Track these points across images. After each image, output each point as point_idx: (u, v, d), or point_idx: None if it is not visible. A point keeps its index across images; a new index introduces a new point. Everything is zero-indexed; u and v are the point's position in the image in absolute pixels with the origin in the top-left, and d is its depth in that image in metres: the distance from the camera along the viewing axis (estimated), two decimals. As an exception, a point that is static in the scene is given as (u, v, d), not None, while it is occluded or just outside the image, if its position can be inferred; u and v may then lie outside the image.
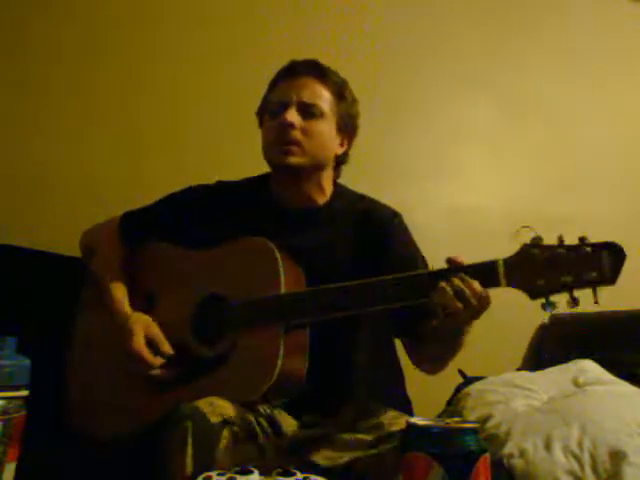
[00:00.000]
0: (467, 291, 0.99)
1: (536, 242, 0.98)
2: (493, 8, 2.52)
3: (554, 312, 0.97)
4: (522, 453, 1.38)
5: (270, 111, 1.29)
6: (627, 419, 1.42)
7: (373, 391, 1.24)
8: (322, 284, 1.12)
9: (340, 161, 1.35)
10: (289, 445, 1.11)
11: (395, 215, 1.33)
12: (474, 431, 0.68)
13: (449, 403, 1.79)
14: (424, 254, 1.33)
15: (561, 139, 2.52)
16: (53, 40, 2.02)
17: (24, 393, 0.85)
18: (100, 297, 1.32)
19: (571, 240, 0.97)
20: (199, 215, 1.33)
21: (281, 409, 1.17)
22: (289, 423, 1.16)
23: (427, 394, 1.60)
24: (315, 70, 1.29)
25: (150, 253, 1.36)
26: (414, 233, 1.37)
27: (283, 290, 1.13)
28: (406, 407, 1.30)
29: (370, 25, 2.36)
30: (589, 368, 1.74)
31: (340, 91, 1.29)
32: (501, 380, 1.74)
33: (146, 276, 1.32)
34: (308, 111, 1.25)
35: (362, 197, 1.37)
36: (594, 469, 1.31)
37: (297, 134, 1.23)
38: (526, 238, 0.99)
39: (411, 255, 1.29)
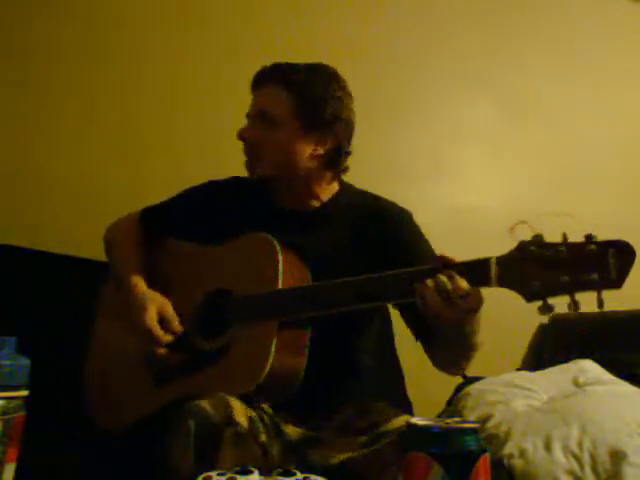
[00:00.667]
0: (450, 288, 0.93)
1: (536, 240, 0.89)
2: (493, 8, 2.52)
3: (553, 313, 0.88)
4: (522, 453, 1.38)
5: None
6: (627, 419, 1.42)
7: (373, 391, 1.24)
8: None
9: (329, 160, 1.28)
10: (288, 445, 1.12)
11: (407, 213, 1.32)
12: (474, 431, 0.68)
13: (449, 403, 1.79)
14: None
15: (561, 139, 2.52)
16: (53, 40, 2.02)
17: (24, 393, 0.85)
18: (117, 292, 1.34)
19: (577, 239, 0.88)
20: (212, 211, 1.35)
21: (281, 409, 1.17)
22: (289, 423, 1.16)
23: (427, 394, 1.60)
24: (273, 75, 1.26)
25: (163, 249, 1.38)
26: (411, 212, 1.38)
27: (280, 285, 1.13)
28: (406, 407, 1.30)
29: (370, 25, 2.35)
30: (589, 368, 1.74)
31: (305, 90, 1.23)
32: (501, 380, 1.74)
33: (158, 272, 1.33)
34: (265, 120, 1.24)
35: (372, 195, 1.35)
36: (594, 469, 1.31)
37: (254, 147, 1.25)
38: (523, 235, 0.90)
39: (424, 251, 1.26)
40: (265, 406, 1.14)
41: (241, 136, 1.27)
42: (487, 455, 0.68)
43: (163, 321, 1.20)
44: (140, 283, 1.27)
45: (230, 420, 1.00)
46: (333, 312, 1.08)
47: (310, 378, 1.13)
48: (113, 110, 2.04)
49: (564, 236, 0.87)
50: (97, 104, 2.04)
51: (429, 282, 0.95)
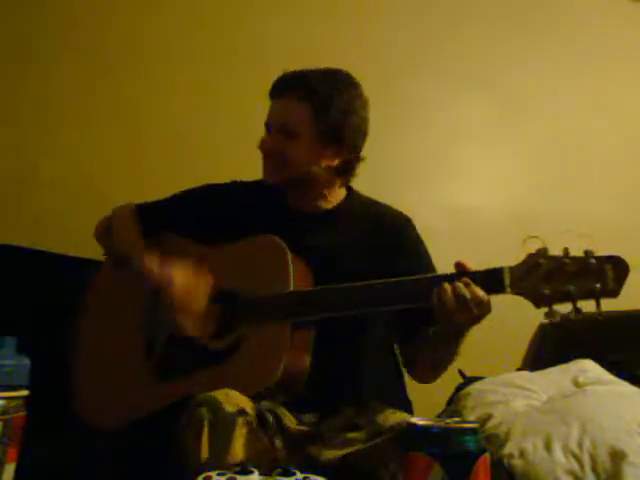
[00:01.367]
0: (468, 296, 1.01)
1: (542, 252, 0.99)
2: (493, 9, 2.52)
3: (558, 318, 0.99)
4: (522, 453, 1.38)
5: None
6: (627, 419, 1.42)
7: (374, 391, 1.24)
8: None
9: (343, 169, 1.31)
10: (290, 440, 1.12)
11: (408, 220, 1.36)
12: (474, 431, 0.68)
13: (449, 403, 1.79)
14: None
15: (561, 139, 2.52)
16: (54, 40, 2.02)
17: (24, 393, 0.85)
18: (113, 287, 1.34)
19: (574, 246, 0.99)
20: (214, 212, 1.35)
21: (282, 406, 1.17)
22: (290, 420, 1.17)
23: (427, 394, 1.60)
24: (293, 86, 1.27)
25: (162, 246, 1.37)
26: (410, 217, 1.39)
27: (292, 288, 1.15)
28: (406, 407, 1.30)
29: (369, 25, 2.36)
30: (589, 368, 1.74)
31: (323, 102, 1.25)
32: (501, 380, 1.74)
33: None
34: (285, 132, 1.26)
35: (376, 202, 1.39)
36: (594, 469, 1.31)
37: (271, 158, 1.28)
38: (533, 248, 1.01)
39: (423, 256, 1.32)
40: (268, 403, 1.14)
41: (262, 148, 1.30)
42: (487, 455, 0.68)
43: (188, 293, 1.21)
44: (156, 259, 1.27)
45: (242, 410, 1.01)
46: (351, 314, 1.12)
47: (312, 377, 1.14)
48: (113, 110, 2.04)
49: (565, 250, 0.98)
50: (97, 104, 2.04)
51: (448, 288, 1.03)
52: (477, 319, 1.05)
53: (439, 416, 1.73)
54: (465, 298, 1.01)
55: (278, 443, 1.08)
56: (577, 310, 0.97)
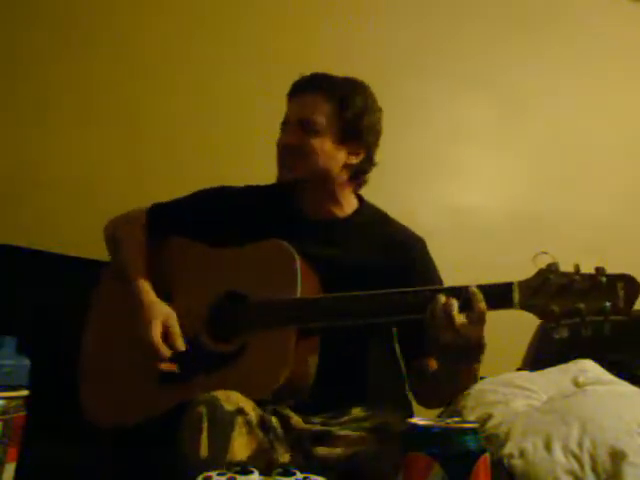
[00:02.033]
0: (453, 311, 0.99)
1: (552, 268, 0.98)
2: (493, 9, 2.52)
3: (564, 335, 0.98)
4: (522, 453, 1.38)
5: (281, 128, 1.34)
6: (627, 419, 1.42)
7: (376, 392, 1.25)
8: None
9: (358, 171, 1.33)
10: (295, 439, 1.12)
11: (420, 241, 1.35)
12: (474, 431, 0.68)
13: (449, 403, 1.79)
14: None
15: (561, 139, 2.52)
16: (53, 39, 2.02)
17: (24, 393, 0.85)
18: (120, 289, 1.33)
19: (587, 264, 0.97)
20: (225, 214, 1.35)
21: (288, 408, 1.17)
22: (296, 420, 1.17)
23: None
24: (315, 84, 1.30)
25: (171, 248, 1.38)
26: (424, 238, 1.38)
27: (299, 294, 1.14)
28: (406, 407, 1.30)
29: (370, 26, 2.35)
30: (589, 368, 1.74)
31: (344, 101, 1.28)
32: (501, 380, 1.74)
33: (165, 271, 1.34)
34: (306, 127, 1.28)
35: (388, 218, 1.38)
36: (594, 469, 1.31)
37: (292, 153, 1.28)
38: (543, 263, 0.99)
39: (434, 280, 1.29)
40: (270, 406, 1.14)
41: (282, 145, 1.30)
42: (487, 455, 0.68)
43: (167, 336, 1.20)
44: (148, 290, 1.27)
45: (241, 410, 1.01)
46: (358, 323, 1.12)
47: (317, 382, 1.14)
48: (113, 110, 2.04)
49: (576, 267, 0.96)
50: (97, 104, 2.04)
51: (440, 300, 1.01)
52: (466, 349, 1.01)
53: (439, 416, 1.73)
54: (450, 313, 0.99)
55: (280, 444, 1.08)
56: (586, 327, 0.96)
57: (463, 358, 1.05)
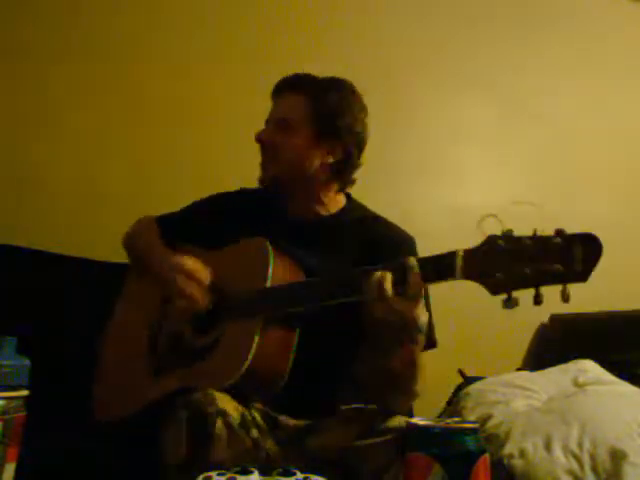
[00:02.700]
0: (386, 283, 0.93)
1: (506, 234, 0.87)
2: (493, 9, 2.53)
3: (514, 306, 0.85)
4: (522, 453, 1.38)
5: None
6: (627, 419, 1.42)
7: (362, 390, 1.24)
8: None
9: (338, 170, 1.31)
10: (285, 436, 1.13)
11: (408, 240, 1.31)
12: (474, 431, 0.68)
13: (449, 403, 1.79)
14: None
15: (561, 139, 2.52)
16: (54, 40, 2.02)
17: (24, 393, 0.85)
18: (138, 290, 1.38)
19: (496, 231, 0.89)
20: (220, 221, 1.37)
21: (276, 409, 1.17)
22: (284, 418, 1.17)
23: (427, 394, 1.60)
24: (293, 83, 1.32)
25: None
26: (414, 233, 1.37)
27: (268, 284, 1.15)
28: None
29: (370, 26, 2.36)
30: (589, 368, 1.74)
31: (321, 100, 1.28)
32: (501, 380, 1.74)
33: None
34: (283, 125, 1.29)
35: (376, 218, 1.36)
36: (594, 469, 1.31)
37: (270, 149, 1.30)
38: (492, 229, 0.88)
39: None
40: (258, 405, 1.15)
41: (258, 138, 1.32)
42: (487, 455, 0.68)
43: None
44: (170, 251, 1.31)
45: (221, 411, 1.01)
46: (305, 307, 1.11)
47: (292, 378, 1.14)
48: (113, 110, 2.04)
49: (534, 231, 0.85)
50: (97, 104, 2.04)
51: (374, 275, 0.95)
52: (400, 326, 0.95)
53: (439, 416, 1.73)
54: (382, 286, 0.93)
55: (268, 444, 1.08)
56: (537, 298, 0.82)
57: (397, 336, 0.99)
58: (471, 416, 1.59)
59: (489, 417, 1.55)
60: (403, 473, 0.70)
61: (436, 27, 2.44)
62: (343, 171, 1.32)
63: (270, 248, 1.19)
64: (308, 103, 1.28)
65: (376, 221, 1.35)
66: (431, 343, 1.18)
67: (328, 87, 1.30)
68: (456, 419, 1.06)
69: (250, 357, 1.08)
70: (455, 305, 1.75)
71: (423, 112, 2.38)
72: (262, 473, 0.81)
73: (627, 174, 2.53)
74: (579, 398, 1.56)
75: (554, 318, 2.24)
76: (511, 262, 0.85)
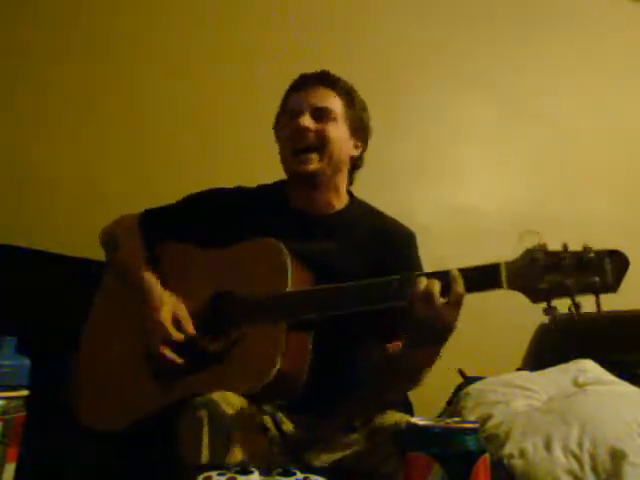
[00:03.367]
0: (434, 290, 0.99)
1: (540, 247, 0.97)
2: (493, 9, 2.53)
3: (556, 315, 0.97)
4: (522, 453, 1.38)
5: (285, 122, 1.35)
6: (627, 419, 1.42)
7: (369, 391, 1.24)
8: None
9: (355, 165, 1.40)
10: (286, 445, 1.13)
11: (409, 234, 1.37)
12: (474, 431, 0.68)
13: (449, 403, 1.79)
14: (424, 253, 1.35)
15: (561, 139, 2.52)
16: (54, 40, 2.02)
17: (24, 393, 0.85)
18: (119, 289, 1.34)
19: (575, 245, 0.97)
20: (216, 217, 1.35)
21: (279, 411, 1.17)
22: (287, 425, 1.17)
23: (427, 394, 1.60)
24: (323, 79, 1.35)
25: (165, 252, 1.38)
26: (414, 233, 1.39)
27: (289, 288, 1.15)
28: (406, 407, 1.30)
29: (370, 26, 2.36)
30: (589, 368, 1.74)
31: (349, 97, 1.35)
32: (501, 380, 1.74)
33: (160, 274, 1.33)
34: (322, 115, 1.31)
35: (379, 212, 1.40)
36: (594, 469, 1.31)
37: (312, 138, 1.29)
38: (530, 242, 0.98)
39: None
40: (269, 407, 1.15)
41: (301, 126, 1.29)
42: (487, 455, 0.68)
43: (177, 322, 1.21)
44: (155, 282, 1.28)
45: (240, 411, 1.02)
46: (341, 313, 1.11)
47: (310, 381, 1.14)
48: (113, 110, 2.04)
49: (564, 246, 0.96)
50: (97, 104, 2.04)
51: (422, 282, 1.01)
52: (440, 329, 1.02)
53: (439, 416, 1.73)
54: (431, 296, 0.99)
55: (275, 447, 1.09)
56: (576, 306, 0.95)
57: (435, 337, 1.05)
58: (471, 416, 1.59)
59: (489, 417, 1.55)
60: (403, 473, 0.70)
61: (436, 27, 2.44)
62: (357, 166, 1.40)
63: (287, 251, 1.18)
64: (340, 99, 1.34)
65: (381, 215, 1.40)
66: None
67: (351, 86, 1.37)
68: (456, 419, 1.05)
69: (278, 362, 1.08)
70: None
71: (423, 112, 2.38)
72: (262, 473, 0.81)
73: (627, 174, 2.53)
74: (579, 398, 1.56)
75: (554, 318, 2.24)
76: (551, 273, 0.96)
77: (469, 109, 2.41)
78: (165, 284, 1.30)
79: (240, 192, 1.41)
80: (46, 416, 1.10)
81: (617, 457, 1.30)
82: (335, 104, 1.33)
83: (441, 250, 1.12)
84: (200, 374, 1.16)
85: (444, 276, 1.02)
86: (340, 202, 1.37)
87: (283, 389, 1.12)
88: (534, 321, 2.32)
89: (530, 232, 0.98)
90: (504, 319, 2.12)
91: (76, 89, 2.02)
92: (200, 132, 2.09)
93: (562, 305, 0.97)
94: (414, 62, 2.37)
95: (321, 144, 1.30)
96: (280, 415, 1.16)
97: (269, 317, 1.14)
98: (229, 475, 0.78)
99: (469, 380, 1.82)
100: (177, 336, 1.18)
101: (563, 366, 1.79)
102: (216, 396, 1.02)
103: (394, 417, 1.11)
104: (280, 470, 0.81)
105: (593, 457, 1.32)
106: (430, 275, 1.04)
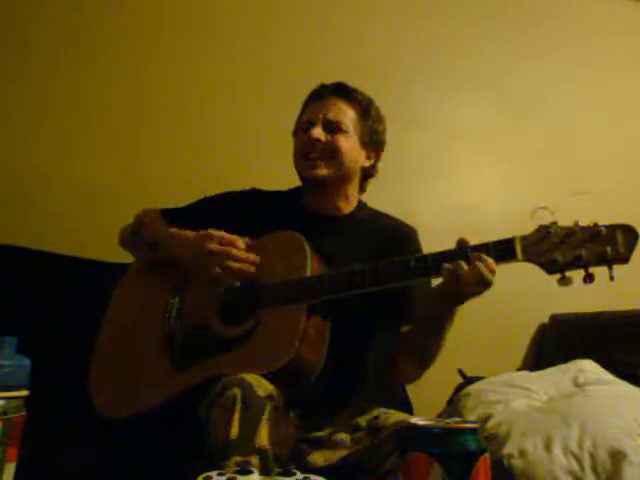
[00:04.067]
0: (483, 267, 1.02)
1: (553, 223, 1.01)
2: (493, 9, 2.53)
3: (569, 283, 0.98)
4: (522, 453, 1.38)
5: (300, 129, 1.42)
6: (627, 419, 1.42)
7: (375, 391, 1.25)
8: None
9: (367, 174, 1.44)
10: (292, 450, 1.13)
11: (413, 231, 1.42)
12: (474, 431, 0.68)
13: (449, 403, 1.79)
14: (424, 253, 1.35)
15: (561, 139, 2.52)
16: (53, 42, 2.02)
17: (24, 393, 0.85)
18: (137, 287, 1.38)
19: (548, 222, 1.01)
20: (232, 218, 1.37)
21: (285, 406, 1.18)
22: (292, 424, 1.18)
23: (427, 394, 1.60)
24: (340, 91, 1.40)
25: None
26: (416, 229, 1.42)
27: (309, 272, 1.19)
28: (406, 407, 1.31)
29: (370, 26, 2.36)
30: (589, 368, 1.74)
31: (365, 109, 1.40)
32: (501, 380, 1.74)
33: (175, 268, 1.35)
34: (333, 127, 1.36)
35: (385, 214, 1.46)
36: (594, 469, 1.31)
37: (322, 148, 1.35)
38: (542, 219, 1.02)
39: None
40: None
41: (312, 137, 1.35)
42: (487, 455, 0.68)
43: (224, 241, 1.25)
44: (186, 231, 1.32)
45: (271, 396, 1.02)
46: (373, 290, 1.13)
47: (323, 372, 1.15)
48: (113, 111, 2.04)
49: (576, 222, 1.01)
50: (97, 105, 2.04)
51: (462, 262, 1.04)
52: (479, 293, 1.06)
53: (439, 416, 1.73)
54: (481, 272, 1.02)
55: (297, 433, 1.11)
56: (590, 276, 0.97)
57: (475, 296, 1.08)
58: (471, 416, 1.59)
59: (489, 417, 1.55)
60: (403, 473, 0.70)
61: (435, 27, 2.44)
62: (370, 175, 1.45)
63: (305, 240, 1.23)
64: (353, 111, 1.38)
65: (386, 216, 1.46)
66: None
67: (369, 101, 1.42)
68: (456, 419, 1.05)
69: (298, 341, 1.10)
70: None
71: (423, 111, 2.37)
72: (262, 473, 0.81)
73: (628, 174, 2.53)
74: (579, 398, 1.56)
75: (554, 318, 2.25)
76: (565, 245, 1.00)
77: (469, 109, 2.41)
78: (179, 275, 1.33)
79: (256, 193, 1.46)
80: (46, 416, 1.10)
81: (617, 457, 1.30)
82: (347, 116, 1.37)
83: (440, 248, 1.12)
84: (220, 358, 1.17)
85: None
86: (349, 206, 1.42)
87: (299, 374, 1.14)
88: (534, 321, 2.33)
89: (542, 209, 1.01)
90: (504, 319, 2.12)
91: (77, 91, 2.02)
92: (200, 132, 2.09)
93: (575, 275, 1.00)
94: (413, 62, 2.37)
95: (330, 154, 1.35)
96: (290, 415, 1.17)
97: (291, 299, 1.17)
98: (229, 475, 0.78)
99: (469, 380, 1.82)
100: (239, 243, 1.22)
101: (563, 366, 1.79)
102: (250, 378, 1.03)
103: (396, 417, 1.12)
104: (280, 470, 0.81)
105: (593, 457, 1.33)
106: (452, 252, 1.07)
